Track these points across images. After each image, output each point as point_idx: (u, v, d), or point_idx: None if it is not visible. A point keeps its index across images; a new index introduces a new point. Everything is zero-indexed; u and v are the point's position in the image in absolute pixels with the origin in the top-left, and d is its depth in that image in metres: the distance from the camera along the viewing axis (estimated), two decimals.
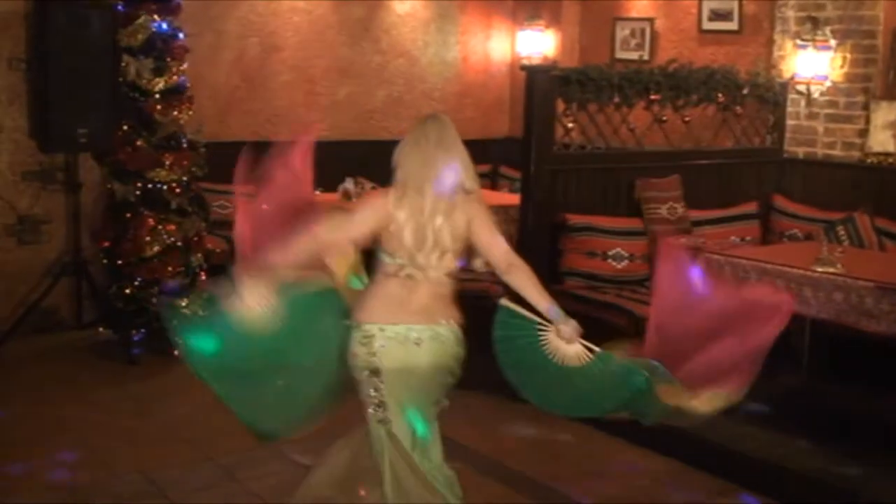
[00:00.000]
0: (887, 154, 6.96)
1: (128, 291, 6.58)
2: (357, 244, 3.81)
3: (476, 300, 6.60)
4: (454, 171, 3.70)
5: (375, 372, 3.68)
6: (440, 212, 3.67)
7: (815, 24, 7.09)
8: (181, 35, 6.68)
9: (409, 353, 3.67)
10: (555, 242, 6.32)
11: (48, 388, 6.07)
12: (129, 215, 6.57)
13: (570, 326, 3.65)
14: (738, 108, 7.23)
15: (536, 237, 6.24)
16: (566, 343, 3.65)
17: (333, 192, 7.28)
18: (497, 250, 3.76)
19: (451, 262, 3.75)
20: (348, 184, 7.40)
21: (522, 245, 6.24)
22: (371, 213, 3.72)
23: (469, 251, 3.84)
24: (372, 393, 3.70)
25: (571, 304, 5.99)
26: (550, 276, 6.30)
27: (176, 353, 6.58)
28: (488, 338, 5.98)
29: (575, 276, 6.26)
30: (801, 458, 5.01)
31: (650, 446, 5.38)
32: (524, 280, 3.73)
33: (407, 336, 3.68)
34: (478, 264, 4.03)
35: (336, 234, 3.75)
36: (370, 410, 3.74)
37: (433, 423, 3.80)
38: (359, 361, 3.69)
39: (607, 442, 5.52)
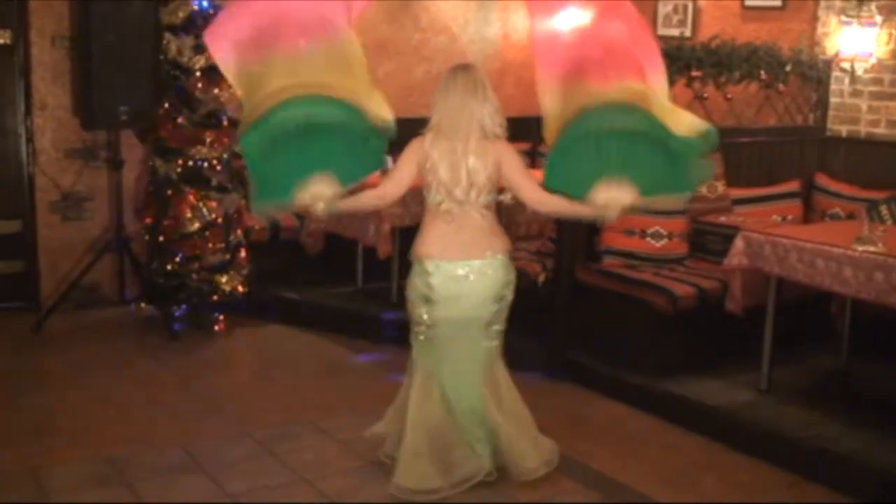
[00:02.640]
0: None
1: (169, 267, 6.66)
2: (407, 183, 4.30)
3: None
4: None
5: (428, 300, 4.28)
6: (471, 152, 4.13)
7: (861, 0, 6.99)
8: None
9: (459, 286, 4.24)
10: (593, 220, 6.30)
11: (90, 362, 6.15)
12: (170, 192, 6.64)
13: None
14: (781, 86, 7.14)
15: None
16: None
17: None
18: (527, 191, 4.24)
19: (485, 198, 4.21)
20: (388, 163, 7.37)
21: (561, 223, 6.23)
22: (410, 153, 4.29)
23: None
24: (424, 317, 4.32)
25: (609, 283, 6.03)
26: (588, 254, 6.29)
27: (217, 327, 6.74)
28: (530, 318, 5.99)
29: (613, 254, 6.23)
30: (840, 440, 4.98)
31: (687, 426, 5.37)
32: (558, 205, 4.24)
33: (457, 271, 4.22)
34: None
35: (391, 185, 4.33)
36: (415, 330, 4.38)
37: (489, 345, 4.39)
38: (416, 291, 4.31)
39: (643, 421, 5.52)
